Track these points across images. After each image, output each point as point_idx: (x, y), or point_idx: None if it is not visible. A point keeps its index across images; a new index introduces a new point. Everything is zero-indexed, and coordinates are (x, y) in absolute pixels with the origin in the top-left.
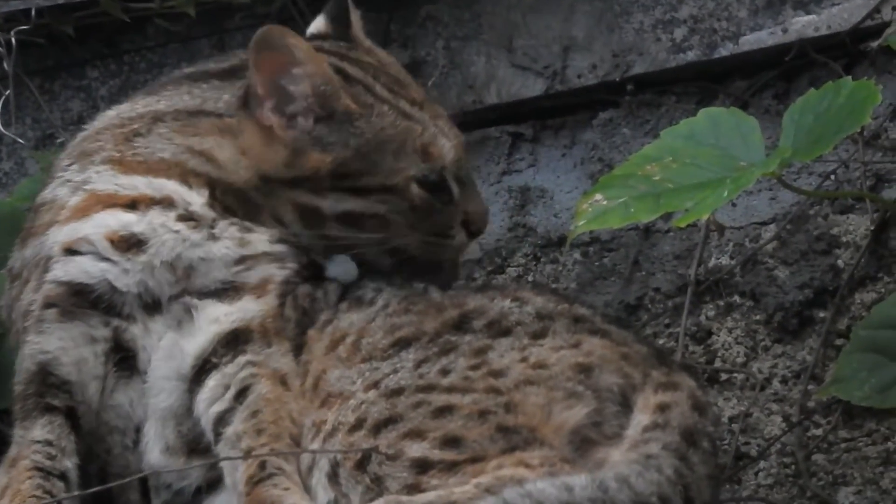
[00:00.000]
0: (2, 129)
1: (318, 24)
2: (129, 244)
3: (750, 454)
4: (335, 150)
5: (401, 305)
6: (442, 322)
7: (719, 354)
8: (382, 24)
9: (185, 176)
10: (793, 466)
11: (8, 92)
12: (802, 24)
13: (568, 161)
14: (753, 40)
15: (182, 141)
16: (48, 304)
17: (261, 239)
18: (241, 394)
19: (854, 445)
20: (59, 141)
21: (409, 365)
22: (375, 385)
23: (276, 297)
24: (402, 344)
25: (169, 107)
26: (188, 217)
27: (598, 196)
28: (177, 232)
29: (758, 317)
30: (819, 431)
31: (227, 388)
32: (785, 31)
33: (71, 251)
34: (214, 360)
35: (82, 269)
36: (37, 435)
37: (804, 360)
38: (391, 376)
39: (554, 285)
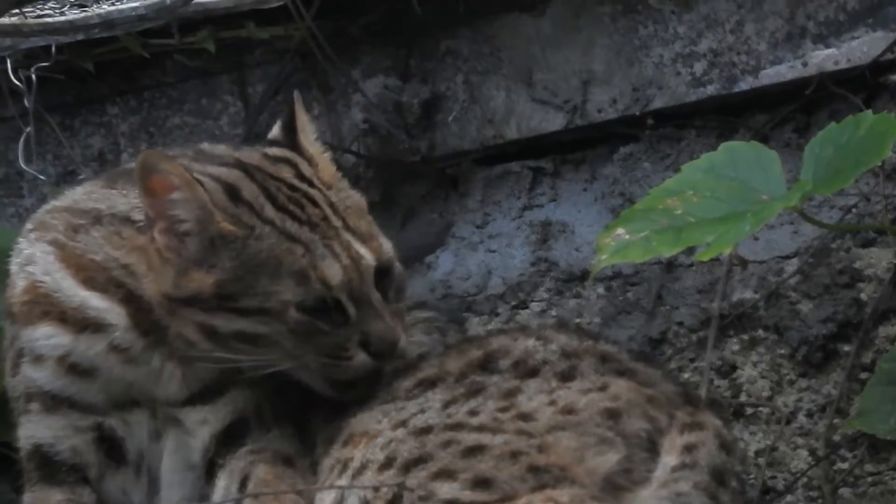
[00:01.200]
0: (23, 166)
1: (275, 130)
2: (79, 372)
3: (776, 488)
4: (215, 271)
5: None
6: (467, 362)
7: (744, 388)
8: (402, 59)
9: (108, 285)
10: (819, 500)
11: (29, 129)
12: (822, 58)
13: (589, 195)
14: (773, 74)
15: (110, 251)
16: (30, 398)
17: (206, 368)
18: (243, 484)
19: (880, 479)
20: (80, 177)
21: (436, 405)
22: (403, 424)
23: (266, 379)
24: (427, 384)
25: (109, 209)
26: (118, 348)
27: (620, 230)
28: (112, 367)
29: (782, 351)
30: (845, 465)
31: (233, 482)
32: (805, 64)
33: (34, 361)
34: (219, 460)
35: (48, 381)
36: (56, 497)
37: (829, 394)
38: (418, 415)
39: (577, 320)
